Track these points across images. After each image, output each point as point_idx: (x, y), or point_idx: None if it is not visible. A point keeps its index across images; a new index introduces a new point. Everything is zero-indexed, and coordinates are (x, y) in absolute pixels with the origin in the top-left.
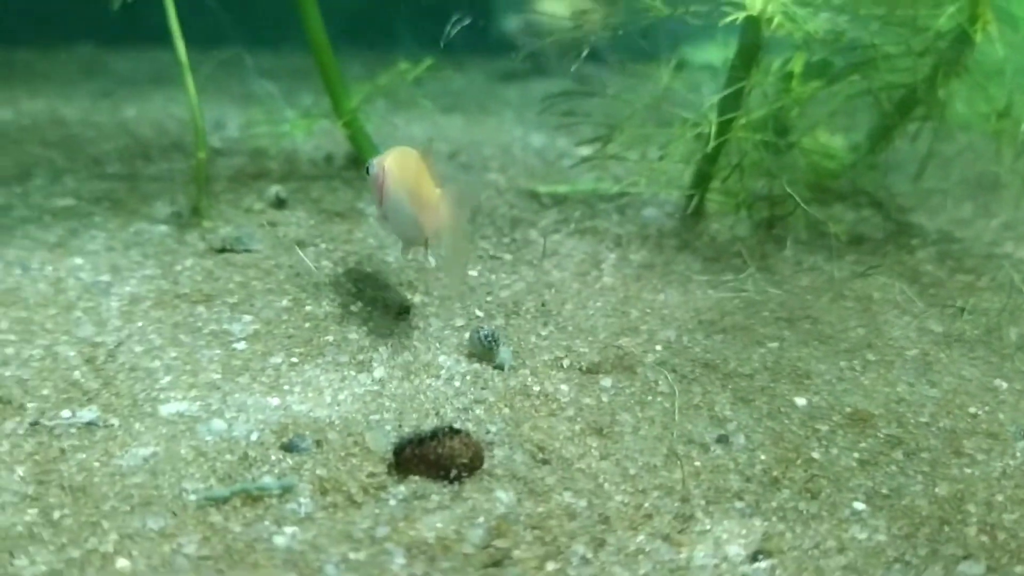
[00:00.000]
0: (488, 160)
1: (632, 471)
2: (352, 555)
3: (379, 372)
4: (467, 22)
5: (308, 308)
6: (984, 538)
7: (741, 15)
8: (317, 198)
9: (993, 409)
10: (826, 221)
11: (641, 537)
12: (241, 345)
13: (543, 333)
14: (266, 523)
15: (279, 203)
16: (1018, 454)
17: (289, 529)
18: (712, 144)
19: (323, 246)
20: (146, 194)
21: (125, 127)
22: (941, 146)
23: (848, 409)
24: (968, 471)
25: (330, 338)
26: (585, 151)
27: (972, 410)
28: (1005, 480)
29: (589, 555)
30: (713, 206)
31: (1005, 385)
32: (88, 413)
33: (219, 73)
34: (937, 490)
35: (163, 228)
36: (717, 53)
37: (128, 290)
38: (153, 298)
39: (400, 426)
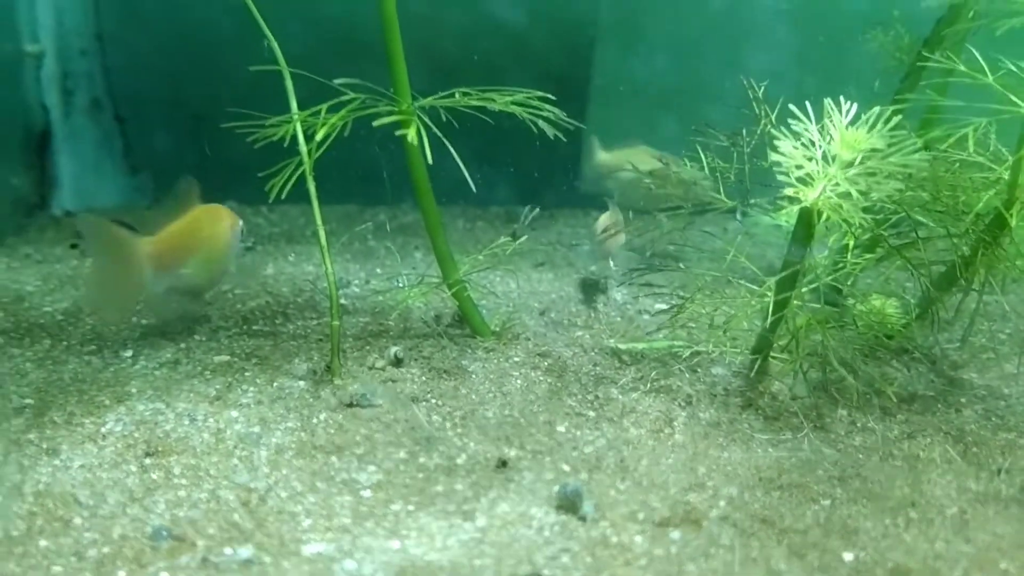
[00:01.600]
0: (574, 317)
1: None
2: None
3: (481, 521)
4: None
5: (422, 460)
6: None
7: (796, 208)
8: (428, 356)
9: (1023, 565)
10: (878, 381)
11: None
12: (367, 493)
13: (621, 487)
14: None
15: (397, 362)
16: None
17: None
18: (770, 320)
19: (433, 402)
20: (287, 351)
21: (266, 285)
22: (992, 303)
23: (890, 564)
24: None
25: (440, 488)
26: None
27: (1003, 565)
28: None
29: None
30: (776, 366)
31: None
32: (245, 551)
33: (342, 229)
34: None
35: (301, 384)
36: (785, 216)
37: (275, 441)
38: (295, 448)
39: (499, 571)
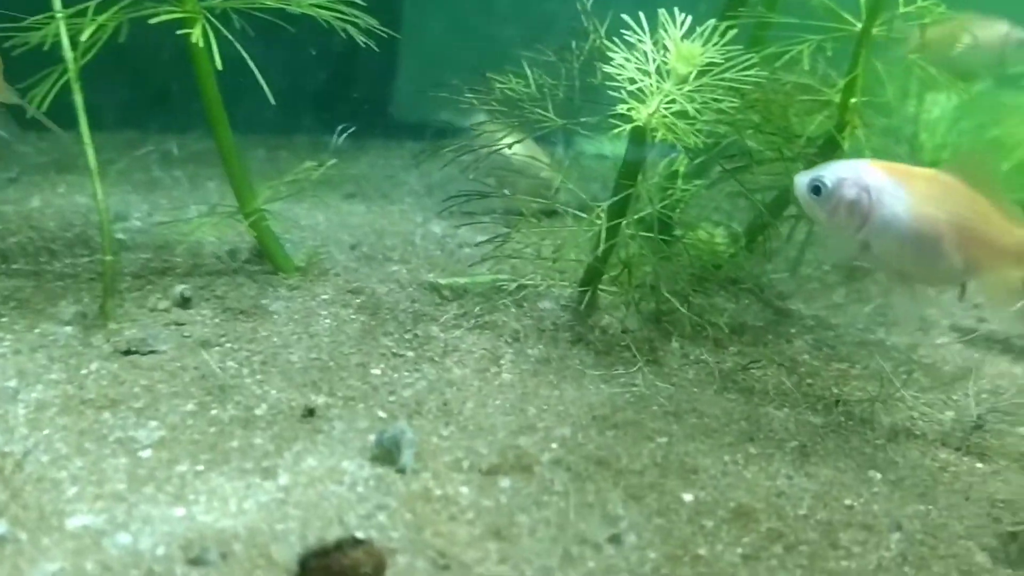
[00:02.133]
0: (390, 251)
1: (529, 573)
2: None
3: (284, 479)
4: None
5: (214, 412)
6: None
7: (627, 127)
8: (222, 295)
9: (868, 501)
10: (709, 312)
11: None
12: (147, 453)
13: (444, 434)
14: None
15: (184, 302)
16: (892, 546)
17: None
18: (600, 250)
19: (228, 346)
20: (52, 293)
21: (30, 219)
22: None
23: (732, 504)
24: (845, 564)
25: (235, 444)
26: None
27: (848, 502)
28: (881, 573)
29: None
30: (606, 298)
31: (879, 476)
32: None
33: (121, 157)
34: None
35: (68, 329)
36: (609, 145)
37: (35, 396)
38: (59, 404)
39: (305, 536)
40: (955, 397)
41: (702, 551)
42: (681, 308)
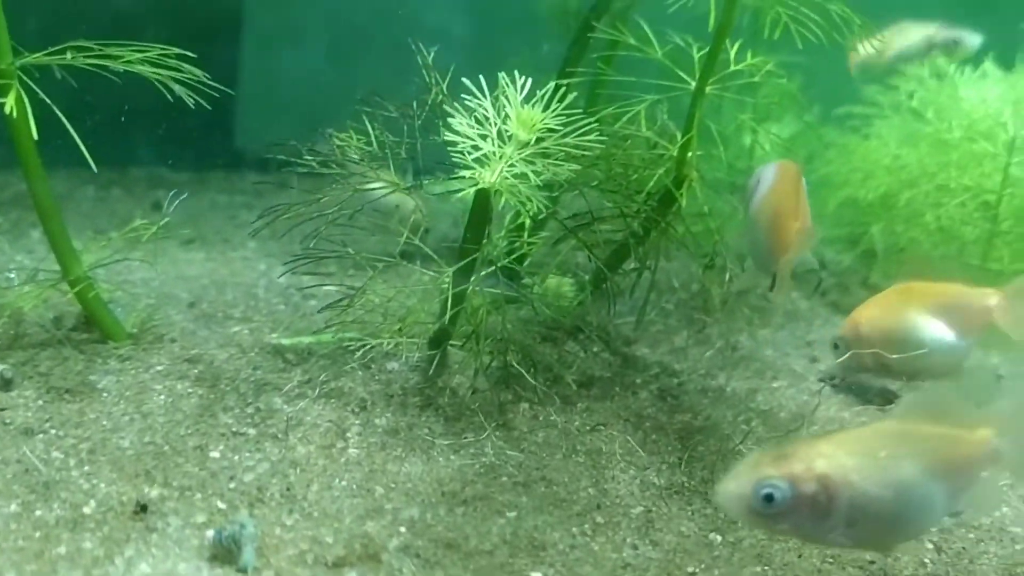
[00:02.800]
0: (231, 307)
1: None
2: None
3: None
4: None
5: (38, 513)
6: None
7: (472, 188)
8: (46, 372)
9: (709, 566)
10: (557, 366)
11: None
12: None
13: (288, 523)
14: None
15: (5, 384)
16: None
17: None
18: (448, 314)
19: (53, 432)
20: None
21: None
22: (660, 275)
23: None
24: None
25: (62, 550)
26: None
27: (691, 569)
28: None
29: None
30: (457, 355)
31: (719, 539)
32: None
33: None
34: None
35: None
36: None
37: None
38: None
39: None
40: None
41: None
42: (529, 367)
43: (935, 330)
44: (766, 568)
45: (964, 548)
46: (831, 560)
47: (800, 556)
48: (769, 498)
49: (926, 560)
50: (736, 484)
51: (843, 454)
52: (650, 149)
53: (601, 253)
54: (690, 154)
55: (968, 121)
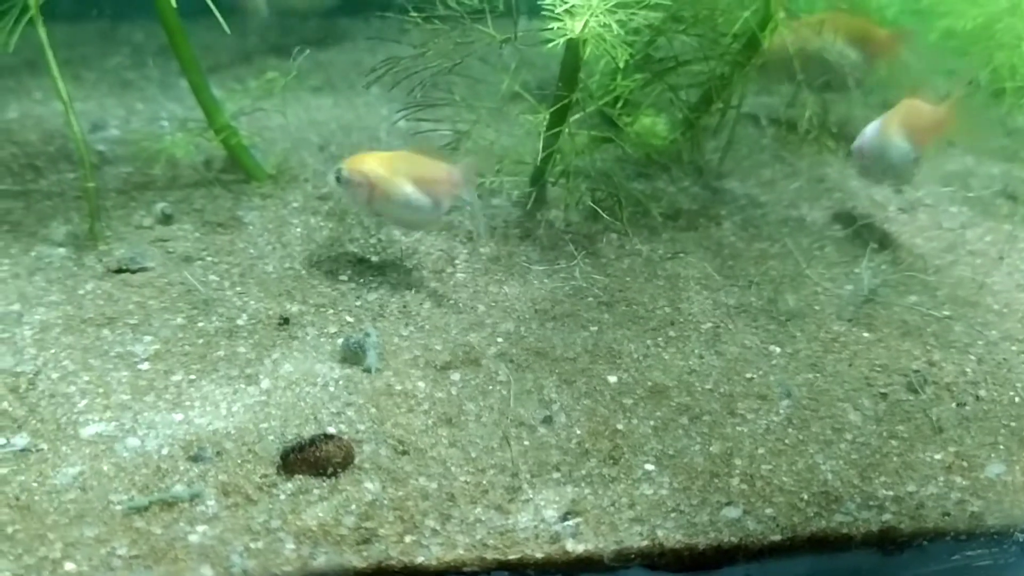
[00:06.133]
0: (356, 149)
1: (474, 454)
2: (252, 544)
3: (265, 383)
4: None
5: (200, 324)
6: (744, 486)
7: (562, 39)
8: (200, 208)
9: (766, 373)
10: (645, 201)
11: (479, 509)
12: (145, 365)
13: (404, 334)
14: (181, 524)
15: (166, 219)
16: (781, 411)
17: (200, 528)
18: (542, 155)
19: (209, 259)
20: (42, 213)
21: (10, 133)
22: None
23: (649, 383)
24: (739, 429)
25: (221, 353)
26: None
27: (749, 375)
28: (768, 435)
29: (438, 527)
30: (555, 192)
31: (778, 350)
32: (20, 440)
33: (93, 52)
34: (712, 448)
35: (62, 251)
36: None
37: (38, 318)
38: (62, 324)
39: (284, 433)
40: (857, 270)
41: (620, 426)
42: (618, 200)
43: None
44: (818, 375)
45: (1006, 359)
46: (879, 368)
47: (851, 365)
48: (337, 180)
49: (967, 369)
50: (333, 171)
51: (377, 165)
52: None
53: (693, 94)
54: None
55: None
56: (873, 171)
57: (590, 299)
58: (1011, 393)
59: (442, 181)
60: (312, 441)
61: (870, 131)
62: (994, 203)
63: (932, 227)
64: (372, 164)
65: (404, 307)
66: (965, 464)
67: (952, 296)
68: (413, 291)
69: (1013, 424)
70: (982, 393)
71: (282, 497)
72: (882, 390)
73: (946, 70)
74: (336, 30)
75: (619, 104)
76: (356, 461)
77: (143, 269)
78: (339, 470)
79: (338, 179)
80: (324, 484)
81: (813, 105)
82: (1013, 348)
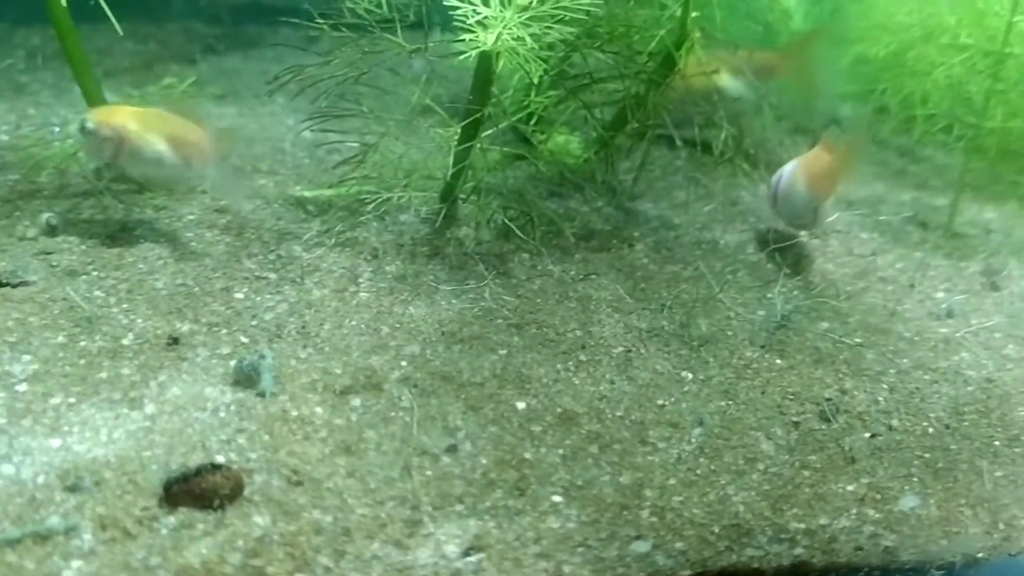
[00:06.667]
0: (259, 161)
1: (373, 485)
2: None
3: (150, 408)
4: None
5: (83, 344)
6: (655, 519)
7: (474, 52)
8: (89, 219)
9: (678, 400)
10: (558, 221)
11: (376, 544)
12: (23, 387)
13: (302, 356)
14: (55, 559)
15: (51, 230)
16: (693, 440)
17: (75, 563)
18: (451, 171)
19: (95, 274)
20: None
21: None
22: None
23: (559, 410)
24: (650, 459)
25: (104, 375)
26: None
27: (660, 402)
28: (679, 465)
29: (331, 565)
30: (467, 208)
31: (691, 376)
32: None
33: None
34: (622, 478)
35: None
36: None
37: None
38: None
39: (169, 462)
40: (770, 295)
41: (527, 455)
42: (530, 219)
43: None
44: (730, 403)
45: (918, 388)
46: (792, 396)
47: (763, 393)
48: (82, 130)
49: (879, 398)
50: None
51: (130, 119)
52: (660, 11)
53: (609, 112)
54: (693, 14)
55: None
56: (782, 214)
57: (499, 321)
58: (924, 423)
59: (194, 143)
60: (198, 471)
61: (783, 179)
62: (904, 230)
63: (844, 253)
64: (123, 118)
65: (303, 327)
66: (878, 496)
67: (864, 323)
68: (313, 310)
69: (927, 455)
70: (895, 423)
71: (163, 532)
72: (795, 419)
73: (859, 92)
74: (243, 37)
75: (533, 120)
76: (245, 493)
77: (24, 283)
78: (226, 502)
79: (83, 130)
80: (210, 518)
81: (728, 128)
82: (925, 377)
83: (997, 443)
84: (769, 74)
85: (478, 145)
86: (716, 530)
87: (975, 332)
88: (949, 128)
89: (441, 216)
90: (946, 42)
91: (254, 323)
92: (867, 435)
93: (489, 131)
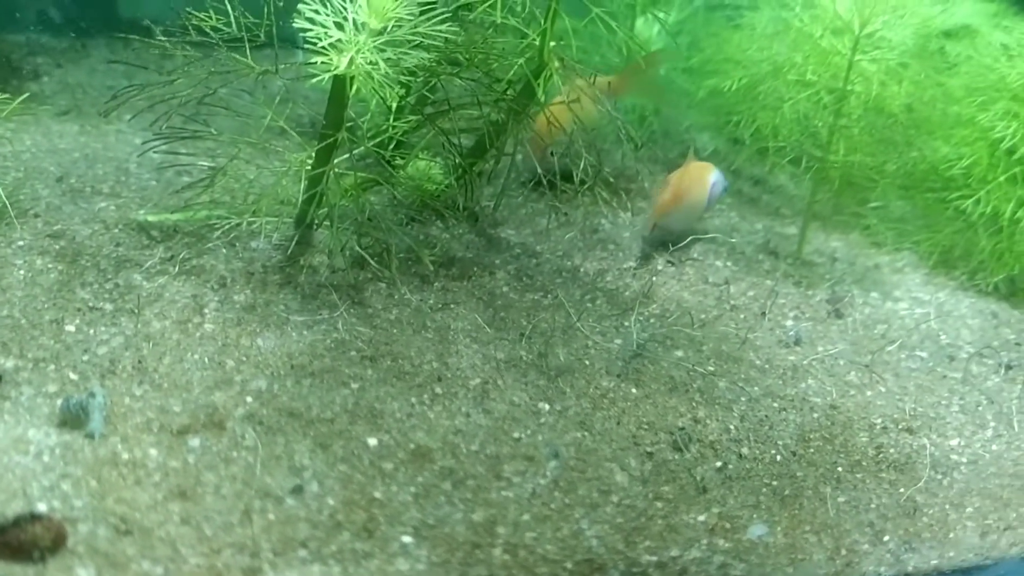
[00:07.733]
0: (100, 182)
1: (209, 532)
2: None
3: None
4: None
5: None
6: (507, 557)
7: (328, 75)
8: None
9: (534, 432)
10: (417, 248)
11: None
12: None
13: (138, 393)
14: None
15: None
16: (548, 473)
17: None
18: (303, 196)
19: None
20: None
21: None
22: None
23: (412, 445)
24: (504, 494)
25: None
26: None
27: (516, 435)
28: (534, 500)
29: None
30: (321, 234)
31: (547, 407)
32: None
33: None
34: (475, 516)
35: None
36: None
37: None
38: None
39: None
40: (627, 324)
41: (378, 494)
42: (387, 247)
43: None
44: (586, 434)
45: (767, 416)
46: (646, 426)
47: (619, 423)
48: None
49: (731, 427)
50: None
51: None
52: (520, 39)
53: (468, 139)
54: (551, 43)
55: (827, 16)
56: (679, 220)
57: (353, 353)
58: (772, 451)
59: None
60: (16, 521)
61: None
62: (756, 258)
63: (698, 281)
64: None
65: (140, 362)
66: (728, 526)
67: (717, 351)
68: (152, 344)
69: (775, 483)
70: (745, 451)
71: None
72: (648, 449)
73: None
74: (92, 51)
75: (392, 145)
76: (68, 544)
77: None
78: (47, 555)
79: None
80: (29, 572)
81: (587, 157)
82: (774, 405)
83: (840, 469)
84: (614, 93)
85: (332, 171)
86: (569, 566)
87: (821, 359)
88: (797, 160)
89: (293, 243)
90: (793, 78)
91: (85, 358)
92: (718, 464)
93: (344, 156)
